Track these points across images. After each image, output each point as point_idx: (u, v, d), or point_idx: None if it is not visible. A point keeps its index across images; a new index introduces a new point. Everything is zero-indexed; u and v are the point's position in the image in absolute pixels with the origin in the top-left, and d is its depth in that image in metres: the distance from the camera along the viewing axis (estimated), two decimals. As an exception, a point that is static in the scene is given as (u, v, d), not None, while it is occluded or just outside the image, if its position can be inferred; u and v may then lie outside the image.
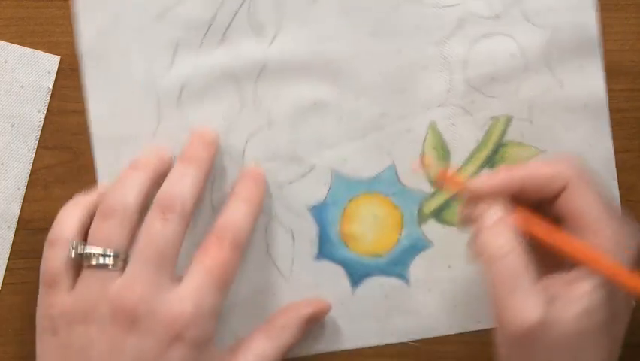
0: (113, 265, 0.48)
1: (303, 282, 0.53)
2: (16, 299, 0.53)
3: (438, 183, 0.51)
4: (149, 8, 0.52)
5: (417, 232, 0.53)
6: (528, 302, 0.44)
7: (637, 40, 0.52)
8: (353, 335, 0.53)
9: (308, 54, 0.52)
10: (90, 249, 0.48)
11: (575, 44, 0.52)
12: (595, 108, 0.52)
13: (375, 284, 0.53)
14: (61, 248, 0.49)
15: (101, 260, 0.48)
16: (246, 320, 0.52)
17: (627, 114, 0.52)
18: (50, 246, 0.49)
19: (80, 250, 0.48)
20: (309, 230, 0.53)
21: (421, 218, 0.53)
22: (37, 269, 0.51)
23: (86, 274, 0.49)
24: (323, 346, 0.53)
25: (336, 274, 0.53)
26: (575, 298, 0.45)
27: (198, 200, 0.50)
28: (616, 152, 0.52)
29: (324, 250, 0.53)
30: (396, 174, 0.52)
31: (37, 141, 0.52)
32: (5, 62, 0.52)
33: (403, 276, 0.53)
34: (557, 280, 0.46)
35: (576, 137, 0.52)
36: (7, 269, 0.53)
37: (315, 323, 0.52)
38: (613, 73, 0.52)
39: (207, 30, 0.52)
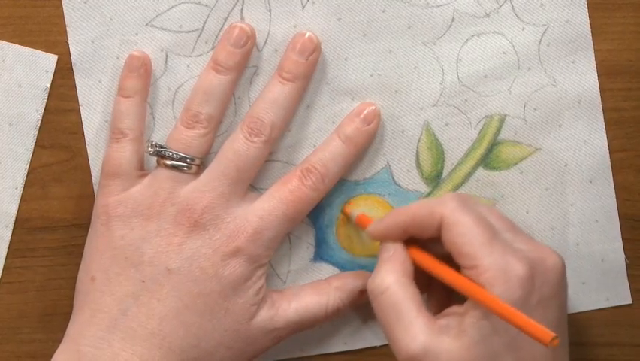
0: (188, 168, 0.50)
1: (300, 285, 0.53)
2: (13, 298, 0.53)
3: (358, 226, 0.52)
4: (141, 15, 0.52)
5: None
6: (409, 333, 0.46)
7: (634, 39, 0.52)
8: (355, 337, 0.53)
9: None
10: (169, 149, 0.50)
11: (567, 41, 0.52)
12: (588, 105, 0.52)
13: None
14: (128, 141, 0.50)
15: (176, 162, 0.50)
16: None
17: (625, 113, 0.53)
18: (116, 138, 0.50)
19: (157, 149, 0.50)
20: (306, 233, 0.53)
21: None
22: (34, 268, 0.53)
23: (158, 171, 0.50)
24: (323, 349, 0.53)
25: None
26: (464, 330, 0.46)
27: (286, 128, 0.51)
28: (613, 151, 0.53)
29: (321, 252, 0.53)
30: (392, 175, 0.53)
31: (34, 140, 0.52)
32: (3, 61, 0.52)
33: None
34: (453, 310, 0.47)
35: (570, 134, 0.52)
36: (4, 268, 0.53)
37: (364, 300, 0.52)
38: (610, 72, 0.52)
39: (198, 36, 0.52)
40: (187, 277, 0.48)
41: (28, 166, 0.53)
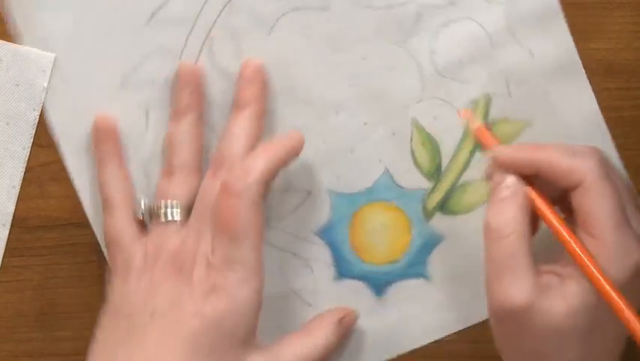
0: (177, 216, 0.51)
1: (329, 305, 0.53)
2: (11, 297, 0.54)
3: (475, 138, 0.51)
4: (112, 81, 0.53)
5: (426, 228, 0.53)
6: (517, 285, 0.45)
7: (632, 38, 0.52)
8: (389, 344, 0.54)
9: (275, 84, 0.53)
10: (161, 205, 0.51)
11: (535, 10, 0.52)
12: (570, 69, 0.52)
13: (398, 289, 0.54)
14: (119, 213, 0.51)
15: (164, 216, 0.51)
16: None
17: (623, 113, 0.52)
18: (109, 212, 0.51)
19: (146, 209, 0.51)
20: (323, 253, 0.54)
21: (427, 214, 0.53)
22: (32, 267, 0.53)
23: (154, 228, 0.51)
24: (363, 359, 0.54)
25: (358, 290, 0.54)
26: (566, 296, 0.45)
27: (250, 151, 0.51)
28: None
29: (342, 269, 0.54)
30: (392, 178, 0.53)
31: (32, 139, 0.53)
32: (0, 60, 0.52)
33: (423, 275, 0.54)
34: (552, 269, 0.47)
35: (557, 100, 0.52)
36: (1, 267, 0.53)
37: (347, 329, 0.53)
38: (608, 71, 0.52)
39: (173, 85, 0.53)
40: (169, 319, 0.49)
41: (25, 165, 0.53)
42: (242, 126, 0.51)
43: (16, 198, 0.53)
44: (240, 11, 0.52)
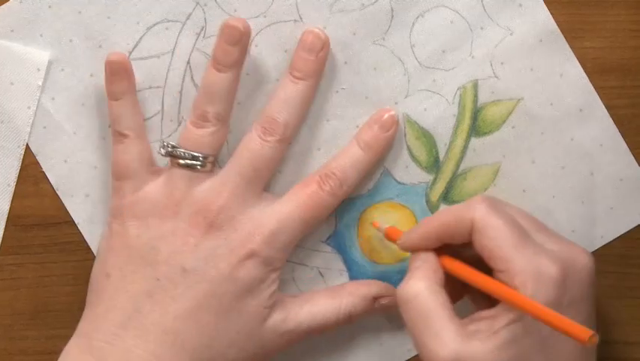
0: (202, 166, 0.50)
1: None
2: (5, 295, 0.53)
3: (388, 239, 0.52)
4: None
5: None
6: (438, 340, 0.46)
7: (627, 37, 0.52)
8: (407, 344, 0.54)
9: (261, 101, 0.52)
10: (181, 149, 0.50)
11: None
12: (550, 38, 0.52)
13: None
14: (131, 141, 0.51)
15: (190, 161, 0.50)
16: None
17: (617, 111, 0.52)
18: (118, 140, 0.51)
19: (169, 149, 0.50)
20: (334, 261, 0.53)
21: (432, 207, 0.53)
22: (26, 265, 0.53)
23: (172, 171, 0.50)
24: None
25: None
26: (495, 332, 0.46)
27: (300, 125, 0.51)
28: None
29: (354, 273, 0.53)
30: (392, 176, 0.53)
31: (27, 137, 0.52)
32: None
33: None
34: (484, 315, 0.47)
35: (544, 73, 0.52)
36: None
37: (381, 309, 0.52)
38: (603, 70, 0.52)
39: (162, 118, 0.52)
40: (202, 277, 0.49)
41: (20, 163, 0.53)
42: (297, 96, 0.51)
43: (11, 197, 0.53)
44: (215, 36, 0.51)
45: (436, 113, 0.53)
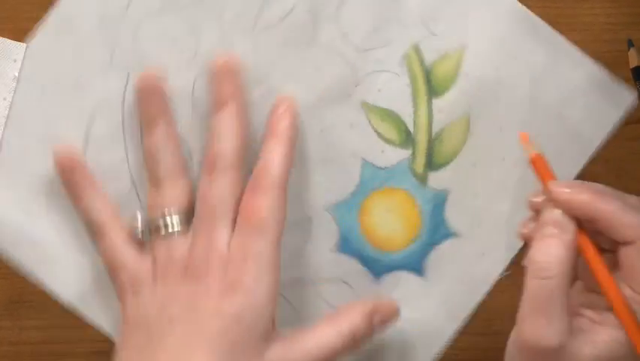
0: (182, 227, 0.50)
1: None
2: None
3: (532, 168, 0.49)
4: None
5: (428, 193, 0.53)
6: (552, 327, 0.45)
7: (603, 30, 0.53)
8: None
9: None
10: (158, 218, 0.50)
11: None
12: None
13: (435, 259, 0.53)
14: (113, 232, 0.51)
15: (163, 230, 0.50)
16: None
17: None
18: (101, 237, 0.51)
19: (144, 228, 0.50)
20: (351, 265, 0.53)
21: (421, 179, 0.53)
22: (1, 256, 0.52)
23: (155, 241, 0.50)
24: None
25: (401, 279, 0.53)
26: (595, 342, 0.45)
27: (243, 147, 0.50)
28: None
29: (375, 269, 0.53)
30: (373, 165, 0.53)
31: (3, 128, 0.52)
32: None
33: (451, 234, 0.53)
34: (587, 313, 0.46)
35: (477, 13, 0.52)
36: None
37: (382, 322, 0.51)
38: None
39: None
40: (189, 321, 0.48)
41: None
42: (228, 123, 0.50)
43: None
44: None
45: (391, 89, 0.52)
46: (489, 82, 0.52)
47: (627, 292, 0.46)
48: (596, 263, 0.46)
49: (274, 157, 0.50)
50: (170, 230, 0.50)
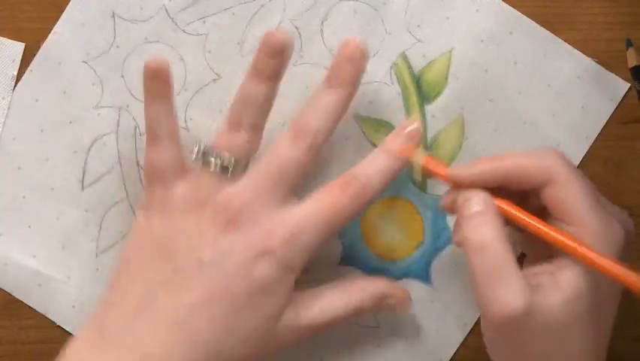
0: (232, 173, 0.50)
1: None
2: None
3: (424, 172, 0.51)
4: None
5: (428, 199, 0.53)
6: (511, 292, 0.45)
7: (602, 30, 0.52)
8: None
9: None
10: (214, 152, 0.50)
11: None
12: None
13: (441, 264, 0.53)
14: (166, 144, 0.50)
15: (220, 166, 0.50)
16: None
17: None
18: (154, 142, 0.50)
19: (202, 153, 0.50)
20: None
21: (421, 186, 0.53)
22: None
23: (202, 174, 0.50)
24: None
25: (408, 287, 0.53)
26: (559, 287, 0.45)
27: (331, 133, 0.50)
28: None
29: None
30: None
31: (2, 128, 0.52)
32: None
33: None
34: (541, 270, 0.47)
35: (459, 16, 0.52)
36: None
37: (391, 309, 0.51)
38: None
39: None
40: (218, 272, 0.48)
41: None
42: (332, 104, 0.50)
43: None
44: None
45: (382, 99, 0.52)
46: (479, 83, 0.52)
47: (566, 228, 0.46)
48: (525, 218, 0.47)
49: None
50: (225, 169, 0.50)
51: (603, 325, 0.47)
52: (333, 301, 0.50)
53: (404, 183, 0.53)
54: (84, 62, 0.52)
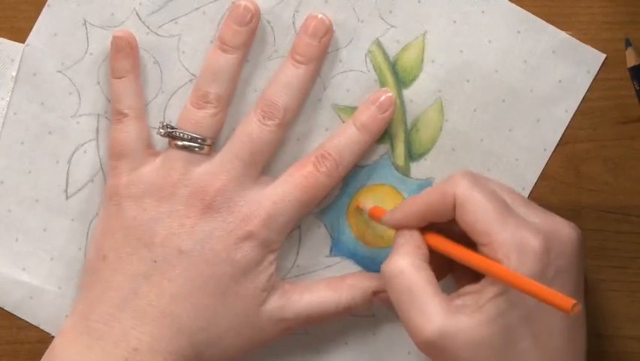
0: (200, 148, 0.50)
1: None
2: None
3: (373, 219, 0.52)
4: None
5: (413, 183, 0.53)
6: (424, 315, 0.46)
7: (600, 29, 0.52)
8: None
9: None
10: (180, 130, 0.50)
11: None
12: None
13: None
14: (130, 121, 0.50)
15: (188, 143, 0.50)
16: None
17: (591, 104, 0.53)
18: (117, 119, 0.51)
19: (168, 129, 0.50)
20: (349, 267, 0.53)
21: (404, 171, 0.53)
22: None
23: (169, 152, 0.50)
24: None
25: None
26: (478, 307, 0.46)
27: (299, 110, 0.51)
28: (579, 142, 0.52)
29: (371, 267, 0.53)
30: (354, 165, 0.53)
31: (1, 127, 0.52)
32: None
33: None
34: (469, 290, 0.47)
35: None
36: None
37: (380, 303, 0.52)
38: None
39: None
40: (199, 259, 0.49)
41: None
42: (299, 80, 0.50)
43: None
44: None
45: (359, 87, 0.52)
46: (455, 65, 0.52)
47: (482, 250, 0.47)
48: (443, 244, 0.48)
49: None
50: (195, 148, 0.50)
51: (544, 336, 0.46)
52: (323, 297, 0.51)
53: (387, 170, 0.53)
54: (59, 71, 0.52)
